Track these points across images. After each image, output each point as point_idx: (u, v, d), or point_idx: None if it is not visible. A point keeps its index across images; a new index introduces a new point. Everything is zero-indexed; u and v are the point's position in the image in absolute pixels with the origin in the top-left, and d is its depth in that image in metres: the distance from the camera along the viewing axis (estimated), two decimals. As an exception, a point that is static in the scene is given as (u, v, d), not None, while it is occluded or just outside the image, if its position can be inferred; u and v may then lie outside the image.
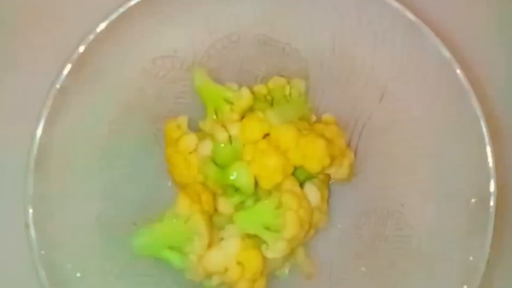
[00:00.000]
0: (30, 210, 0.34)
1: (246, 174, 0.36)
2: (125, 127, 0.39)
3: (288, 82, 0.40)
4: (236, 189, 0.37)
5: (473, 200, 0.35)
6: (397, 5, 0.36)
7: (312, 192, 0.37)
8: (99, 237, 0.37)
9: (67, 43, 0.35)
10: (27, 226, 0.34)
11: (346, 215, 0.40)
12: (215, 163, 0.37)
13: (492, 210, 0.33)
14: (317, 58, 0.40)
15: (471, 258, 0.34)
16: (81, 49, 0.35)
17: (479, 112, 0.34)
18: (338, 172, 0.39)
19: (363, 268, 0.38)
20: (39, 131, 0.35)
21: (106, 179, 0.38)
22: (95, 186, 0.38)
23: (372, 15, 0.37)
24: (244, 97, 0.38)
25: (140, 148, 0.40)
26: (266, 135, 0.37)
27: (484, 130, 0.34)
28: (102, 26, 0.35)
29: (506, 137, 0.41)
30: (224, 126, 0.37)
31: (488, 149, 0.34)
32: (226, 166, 0.37)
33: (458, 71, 0.35)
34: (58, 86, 0.35)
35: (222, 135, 0.37)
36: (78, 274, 0.35)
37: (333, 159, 0.37)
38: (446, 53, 0.35)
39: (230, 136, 0.37)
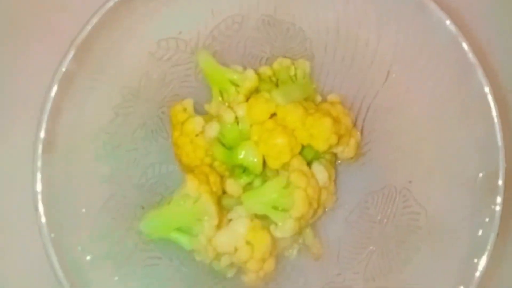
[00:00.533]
0: (39, 194, 0.34)
1: (254, 153, 0.36)
2: (130, 111, 0.39)
3: (293, 63, 0.40)
4: (244, 170, 0.37)
5: (481, 175, 0.34)
6: (401, -18, 0.36)
7: (320, 171, 0.37)
8: (107, 221, 0.37)
9: (71, 27, 0.35)
10: (36, 209, 0.34)
11: (354, 195, 0.40)
12: (222, 145, 0.37)
13: (501, 184, 0.33)
14: (321, 38, 0.40)
15: (480, 232, 0.33)
16: (85, 33, 0.35)
17: (486, 87, 0.34)
18: (345, 151, 0.39)
19: (371, 247, 0.38)
20: (45, 117, 0.35)
21: (112, 163, 0.38)
22: (102, 170, 0.38)
23: (376, -7, 0.37)
24: (250, 79, 0.38)
25: (145, 132, 0.40)
26: (273, 115, 0.37)
27: (492, 105, 0.34)
28: (105, 8, 0.35)
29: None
30: (230, 107, 0.37)
31: (496, 124, 0.34)
32: (233, 147, 0.37)
33: (464, 46, 0.34)
34: (63, 71, 0.35)
35: (229, 116, 0.37)
36: (88, 257, 0.35)
37: (339, 138, 0.37)
38: (452, 28, 0.35)
39: (236, 117, 0.37)
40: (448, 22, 0.35)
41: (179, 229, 0.36)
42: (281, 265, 0.39)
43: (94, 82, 0.36)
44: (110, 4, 0.35)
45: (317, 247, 0.40)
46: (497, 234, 0.33)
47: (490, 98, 0.34)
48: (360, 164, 0.40)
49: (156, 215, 0.36)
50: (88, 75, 0.36)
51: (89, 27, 0.35)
